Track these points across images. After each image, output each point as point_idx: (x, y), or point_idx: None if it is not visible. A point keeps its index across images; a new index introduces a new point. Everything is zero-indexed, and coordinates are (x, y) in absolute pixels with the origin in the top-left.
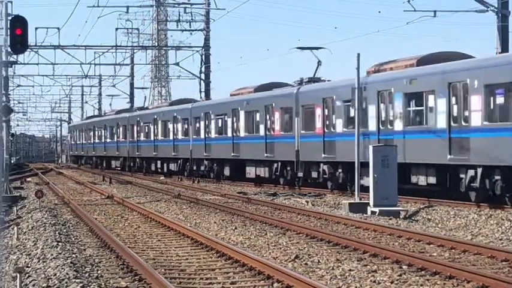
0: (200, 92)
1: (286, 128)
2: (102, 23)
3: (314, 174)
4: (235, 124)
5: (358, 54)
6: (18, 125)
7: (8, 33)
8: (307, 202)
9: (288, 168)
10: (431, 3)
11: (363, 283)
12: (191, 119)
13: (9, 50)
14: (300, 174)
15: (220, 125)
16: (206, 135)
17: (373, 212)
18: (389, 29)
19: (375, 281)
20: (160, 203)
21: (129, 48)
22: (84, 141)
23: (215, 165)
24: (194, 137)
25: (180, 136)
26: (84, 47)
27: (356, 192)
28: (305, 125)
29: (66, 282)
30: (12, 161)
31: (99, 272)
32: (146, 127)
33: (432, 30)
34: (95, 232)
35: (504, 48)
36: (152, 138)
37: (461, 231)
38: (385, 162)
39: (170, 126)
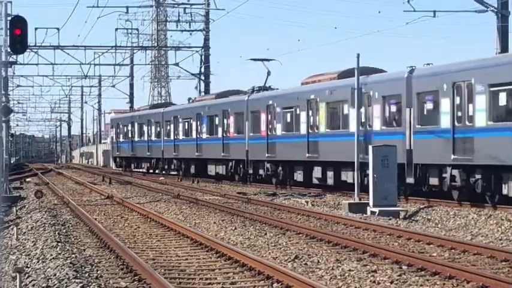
0: (200, 92)
1: None
2: (102, 23)
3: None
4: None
5: (358, 55)
6: (17, 125)
7: (8, 34)
8: (307, 202)
9: None
10: (431, 3)
11: (362, 283)
12: (409, 97)
13: (9, 50)
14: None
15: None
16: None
17: (372, 212)
18: (389, 29)
19: (374, 281)
20: (160, 203)
21: (129, 48)
22: (152, 138)
23: (466, 174)
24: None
25: (378, 127)
26: (83, 47)
27: (356, 192)
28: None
29: (66, 283)
30: (11, 161)
31: (98, 272)
32: (288, 115)
33: (432, 30)
34: (95, 232)
35: (504, 49)
36: (304, 131)
37: (461, 231)
38: (384, 162)
39: (349, 111)
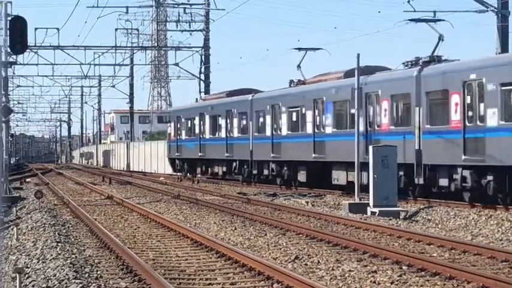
0: (200, 92)
1: None
2: (102, 23)
3: None
4: None
5: (358, 55)
6: (17, 126)
7: (8, 34)
8: (307, 202)
9: None
10: (431, 3)
11: (362, 284)
12: None
13: (8, 50)
14: None
15: None
16: None
17: (373, 213)
18: (390, 29)
19: (374, 282)
20: (160, 203)
21: (129, 48)
22: (234, 135)
23: None
24: None
25: None
26: (83, 48)
27: (356, 193)
28: None
29: (66, 283)
30: (11, 162)
31: (98, 272)
32: None
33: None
34: (95, 232)
35: (504, 49)
36: None
37: (461, 231)
38: (384, 163)
39: None
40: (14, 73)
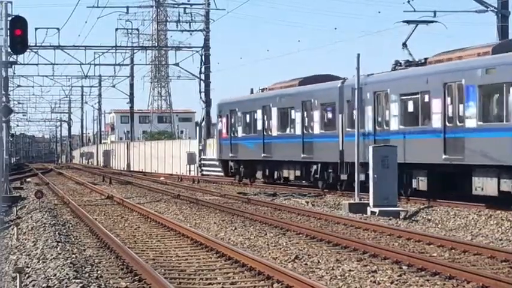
0: (200, 92)
1: None
2: (102, 23)
3: None
4: None
5: (358, 55)
6: (18, 126)
7: (8, 34)
8: (307, 202)
9: None
10: (431, 3)
11: (362, 283)
12: None
13: (9, 50)
14: None
15: None
16: None
17: (373, 213)
18: (390, 29)
19: (374, 281)
20: (160, 203)
21: (129, 48)
22: (315, 131)
23: None
24: None
25: None
26: (84, 48)
27: (356, 193)
28: None
29: (66, 283)
30: (12, 161)
31: (99, 272)
32: None
33: (432, 30)
34: (95, 232)
35: None
36: None
37: (461, 231)
38: (385, 163)
39: None
40: (14, 73)
